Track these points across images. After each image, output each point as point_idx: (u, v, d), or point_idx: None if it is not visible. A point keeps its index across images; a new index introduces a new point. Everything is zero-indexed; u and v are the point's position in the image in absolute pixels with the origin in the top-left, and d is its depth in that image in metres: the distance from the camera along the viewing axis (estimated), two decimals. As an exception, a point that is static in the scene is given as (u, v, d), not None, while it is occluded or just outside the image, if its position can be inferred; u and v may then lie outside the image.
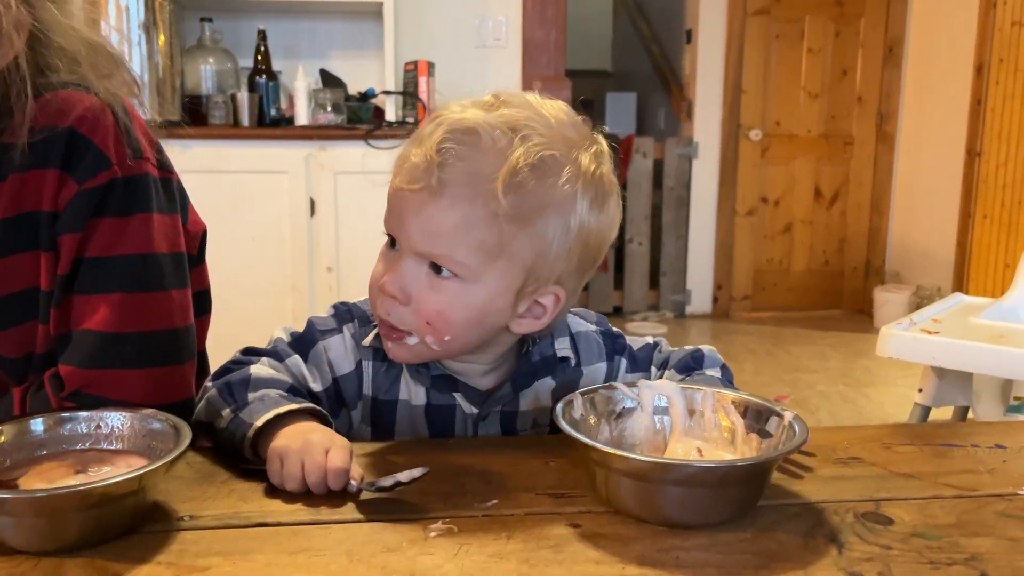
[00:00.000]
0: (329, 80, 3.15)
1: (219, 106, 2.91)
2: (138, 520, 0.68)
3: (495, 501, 0.73)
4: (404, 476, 0.72)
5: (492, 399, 0.90)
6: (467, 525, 0.69)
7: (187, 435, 0.71)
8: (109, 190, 0.85)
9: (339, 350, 0.90)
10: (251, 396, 0.81)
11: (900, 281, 4.93)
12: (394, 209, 0.82)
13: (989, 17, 4.05)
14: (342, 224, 2.87)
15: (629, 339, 1.01)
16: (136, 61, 2.76)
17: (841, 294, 5.22)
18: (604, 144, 0.85)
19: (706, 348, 0.98)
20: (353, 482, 0.73)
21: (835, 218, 5.16)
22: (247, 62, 3.11)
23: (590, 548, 0.66)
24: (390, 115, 3.08)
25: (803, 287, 5.18)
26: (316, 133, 2.87)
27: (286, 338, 0.92)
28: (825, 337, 4.65)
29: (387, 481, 0.73)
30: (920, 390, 1.94)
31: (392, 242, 0.83)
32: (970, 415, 2.04)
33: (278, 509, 0.72)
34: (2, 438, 0.73)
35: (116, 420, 0.76)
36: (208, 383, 0.85)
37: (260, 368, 0.85)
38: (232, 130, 2.91)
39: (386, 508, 0.72)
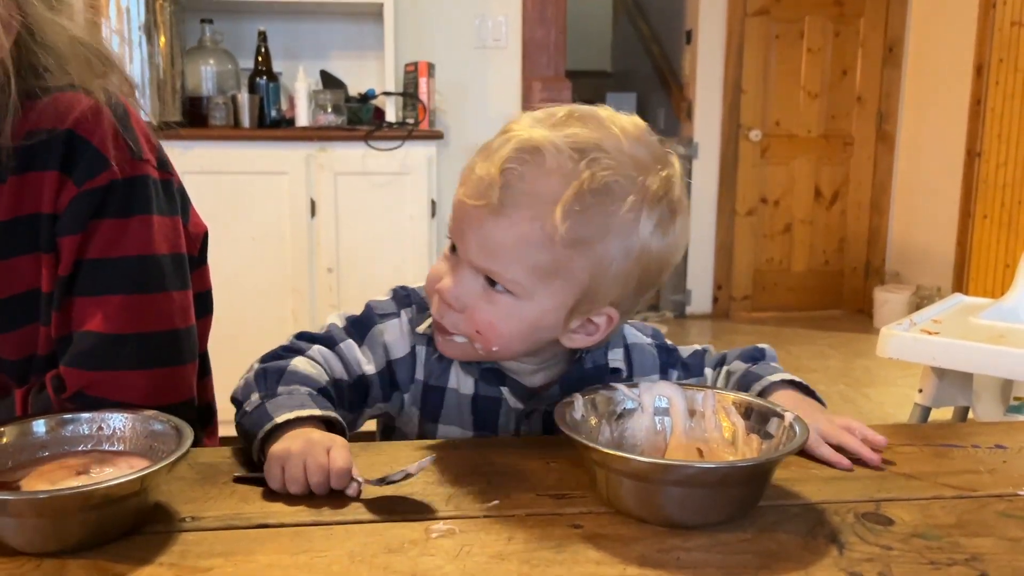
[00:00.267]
0: (329, 81, 3.15)
1: (219, 107, 2.91)
2: (140, 521, 0.68)
3: (496, 502, 0.74)
4: (413, 468, 0.73)
5: (538, 398, 0.92)
6: (468, 526, 0.69)
7: (189, 436, 0.71)
8: (108, 191, 0.85)
9: (395, 333, 0.92)
10: (281, 389, 0.82)
11: (900, 281, 4.93)
12: (457, 218, 0.83)
13: (989, 17, 4.05)
14: (342, 225, 2.87)
15: (682, 351, 1.02)
16: (136, 62, 2.75)
17: (841, 294, 5.22)
18: (676, 166, 0.83)
19: (766, 346, 0.99)
20: (358, 480, 0.73)
21: (835, 218, 5.16)
22: (247, 63, 3.11)
23: (591, 548, 0.66)
24: (390, 116, 3.08)
25: (803, 287, 5.18)
26: (316, 134, 2.87)
27: (341, 323, 0.93)
28: (825, 337, 4.65)
29: (396, 475, 0.73)
30: (920, 390, 1.94)
31: (453, 246, 0.84)
32: (970, 415, 2.04)
33: (280, 510, 0.72)
34: (4, 439, 0.73)
35: (118, 421, 0.76)
36: (255, 363, 0.87)
37: (301, 362, 0.86)
38: (232, 131, 2.90)
39: (388, 509, 0.72)
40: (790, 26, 4.93)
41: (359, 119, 3.05)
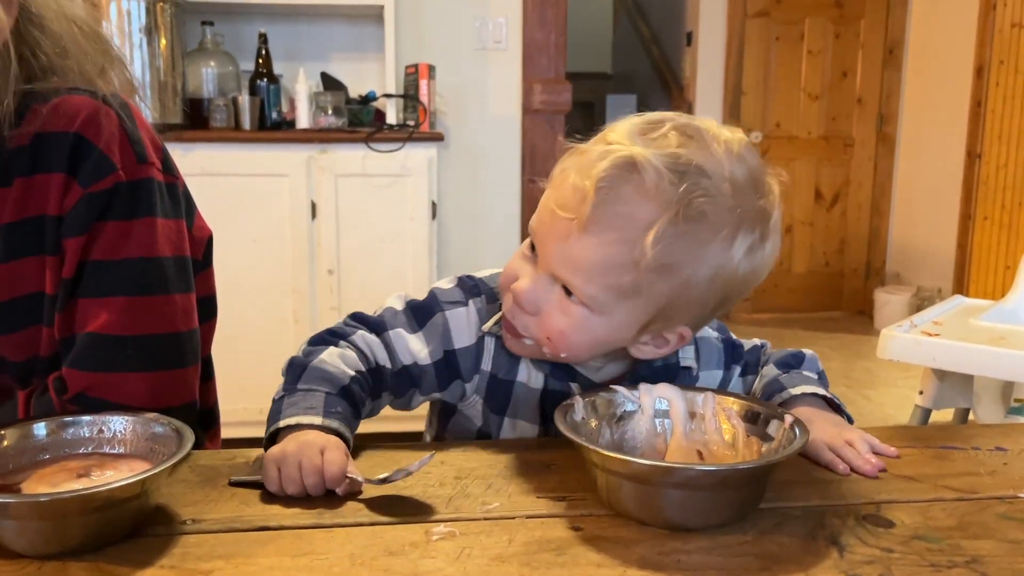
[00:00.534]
0: (330, 83, 3.15)
1: (220, 109, 2.91)
2: (141, 524, 0.69)
3: (497, 504, 0.74)
4: (413, 466, 0.73)
5: None
6: (469, 528, 0.69)
7: (189, 439, 0.71)
8: (113, 194, 0.85)
9: (462, 322, 0.91)
10: (300, 386, 0.82)
11: (900, 282, 4.94)
12: (542, 222, 0.81)
13: (989, 19, 4.06)
14: (343, 227, 2.87)
15: (738, 342, 1.01)
16: (137, 64, 2.76)
17: (841, 295, 5.22)
18: (776, 190, 0.81)
19: (808, 352, 0.98)
20: (357, 479, 0.74)
21: (835, 219, 5.16)
22: (248, 65, 3.11)
23: (591, 551, 0.66)
24: (391, 118, 3.08)
25: (803, 288, 5.18)
26: (317, 136, 2.87)
27: (399, 306, 0.92)
28: (825, 338, 4.65)
29: (397, 474, 0.73)
30: (921, 392, 1.94)
31: (533, 245, 0.83)
32: (971, 417, 2.04)
33: (280, 512, 0.72)
34: (5, 442, 0.73)
35: (119, 424, 0.76)
36: (302, 344, 0.87)
37: (331, 355, 0.85)
38: (233, 133, 2.91)
39: (388, 511, 0.72)
40: (790, 28, 4.94)
41: (360, 121, 3.05)
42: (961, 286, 4.24)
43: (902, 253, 5.02)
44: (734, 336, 1.00)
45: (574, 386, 0.90)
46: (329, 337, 0.88)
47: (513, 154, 3.35)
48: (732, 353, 0.98)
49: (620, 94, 6.16)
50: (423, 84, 3.05)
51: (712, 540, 0.68)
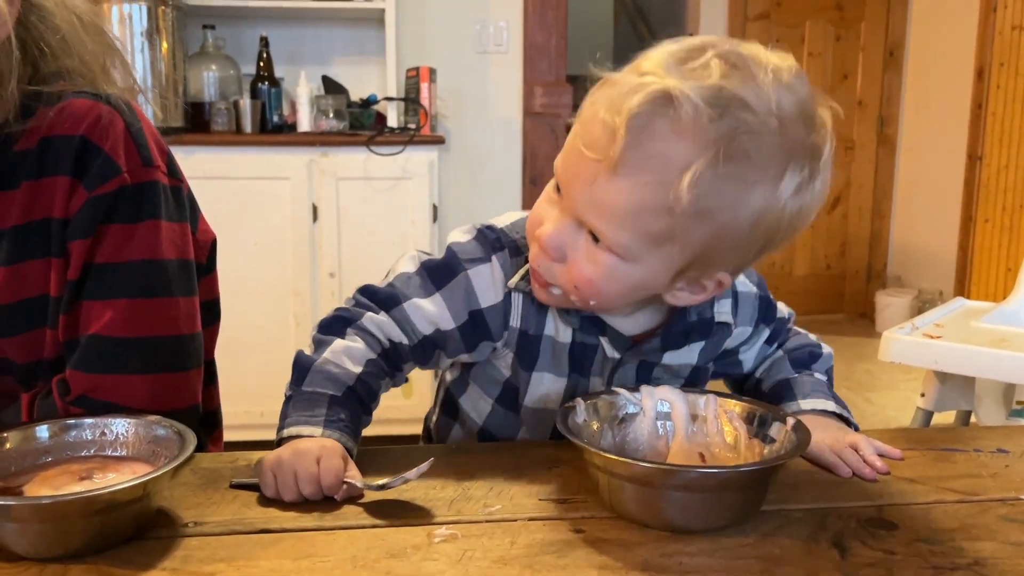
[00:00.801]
0: (331, 86, 3.15)
1: (221, 113, 2.92)
2: (143, 526, 0.69)
3: (499, 506, 0.74)
4: (411, 474, 0.73)
5: (637, 349, 0.87)
6: (471, 530, 0.69)
7: (191, 441, 0.71)
8: (118, 197, 0.86)
9: (486, 280, 0.85)
10: (305, 388, 0.81)
11: (902, 285, 4.93)
12: (567, 163, 0.75)
13: (989, 21, 4.06)
14: (344, 230, 2.87)
15: (774, 303, 0.97)
16: (139, 68, 2.76)
17: (843, 298, 5.22)
18: (828, 123, 0.73)
19: (826, 349, 0.97)
20: (356, 484, 0.74)
21: (836, 222, 5.16)
22: (249, 69, 3.12)
23: (593, 553, 0.66)
24: (392, 121, 3.08)
25: (805, 291, 5.18)
26: (318, 139, 2.87)
27: (412, 267, 0.87)
28: (827, 341, 4.59)
29: (395, 481, 0.73)
30: (922, 395, 1.94)
31: (559, 186, 0.77)
32: (973, 419, 2.04)
33: (282, 515, 0.72)
34: (8, 445, 0.73)
35: (121, 427, 0.76)
36: (313, 331, 0.86)
37: (335, 352, 0.82)
38: (234, 136, 2.91)
39: (390, 514, 0.72)
40: (791, 30, 4.94)
41: (361, 124, 3.05)
42: (962, 288, 4.24)
43: (903, 255, 5.02)
44: (771, 296, 0.96)
45: (603, 339, 0.87)
46: (337, 325, 0.85)
47: (514, 157, 3.35)
48: (766, 311, 0.94)
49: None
50: (424, 87, 3.05)
51: (714, 542, 0.68)
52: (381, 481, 0.74)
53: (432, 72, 3.09)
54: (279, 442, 0.78)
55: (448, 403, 1.00)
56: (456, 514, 0.72)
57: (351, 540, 0.68)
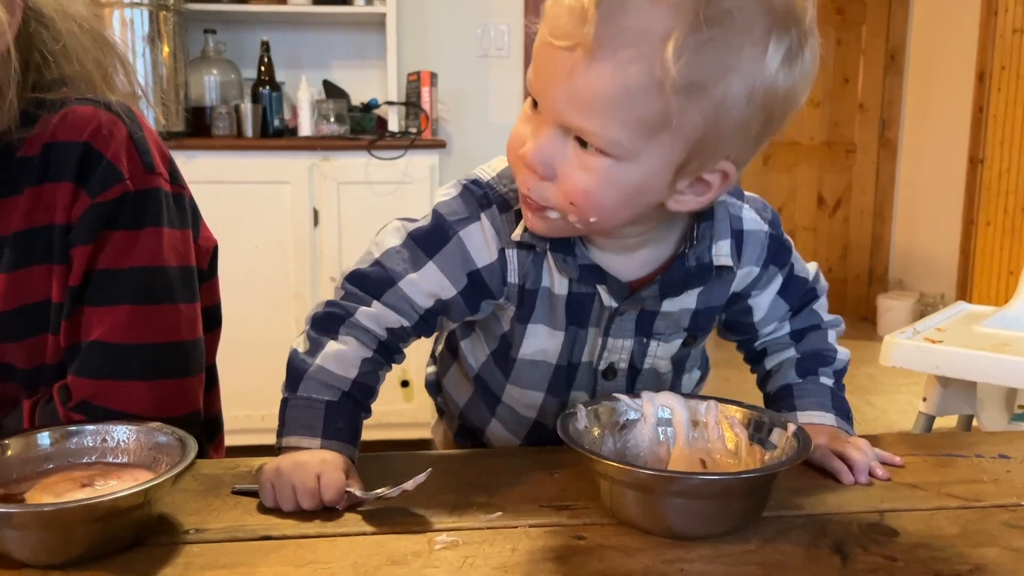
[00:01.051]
0: (332, 91, 3.16)
1: (223, 117, 2.92)
2: (144, 533, 0.69)
3: (500, 513, 0.74)
4: (409, 484, 0.73)
5: (636, 297, 0.83)
6: (472, 537, 0.69)
7: (192, 448, 0.71)
8: (121, 203, 0.86)
9: (478, 239, 0.82)
10: (301, 392, 0.80)
11: (903, 288, 4.93)
12: (538, 66, 0.69)
13: (990, 24, 4.06)
14: (345, 234, 2.88)
15: (795, 258, 0.93)
16: (140, 73, 2.77)
17: (844, 301, 5.21)
18: None
19: (841, 354, 0.95)
20: (356, 493, 0.74)
21: (838, 225, 5.16)
22: (250, 73, 3.13)
23: (595, 560, 0.66)
24: (393, 125, 3.09)
25: (806, 294, 5.17)
26: (319, 143, 2.88)
27: (398, 241, 0.83)
28: (829, 345, 4.63)
29: (393, 491, 0.73)
30: (924, 399, 1.94)
31: (535, 102, 0.71)
32: (975, 423, 2.03)
33: (283, 522, 0.72)
34: (9, 452, 0.73)
35: (122, 434, 0.76)
36: (306, 327, 0.83)
37: (328, 357, 0.80)
38: (235, 141, 2.92)
39: (391, 521, 0.72)
40: (792, 34, 4.94)
41: (362, 128, 3.06)
42: (964, 292, 4.24)
43: (905, 259, 5.02)
44: (787, 238, 0.90)
45: (601, 288, 0.83)
46: (329, 322, 0.82)
47: (515, 161, 3.35)
48: (777, 252, 0.88)
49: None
50: (425, 91, 3.06)
51: (715, 549, 0.68)
52: (379, 492, 0.74)
53: (433, 76, 3.09)
54: (279, 449, 0.79)
55: (452, 339, 1.00)
56: (457, 521, 0.72)
57: (352, 547, 0.68)
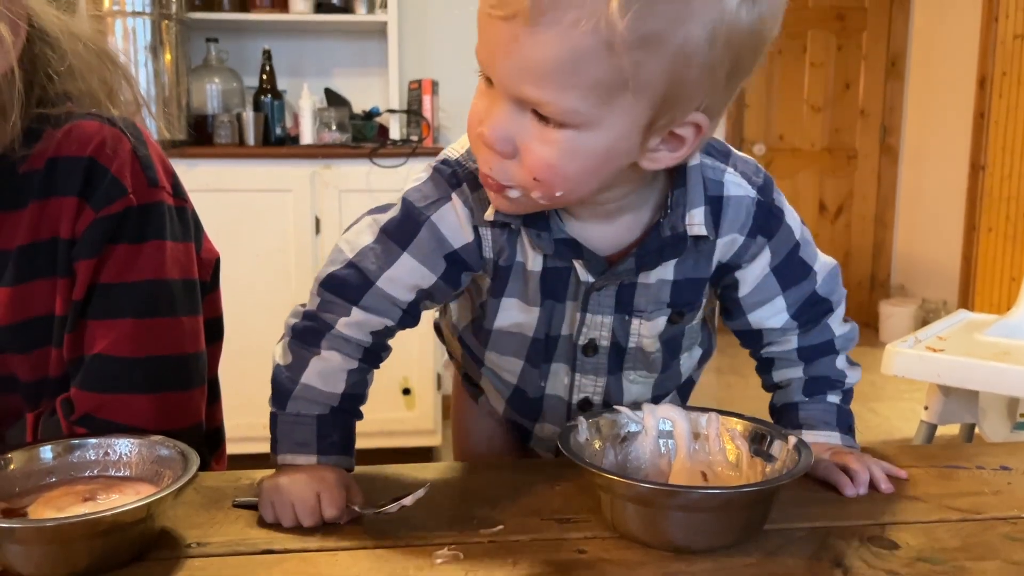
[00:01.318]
0: (334, 99, 3.17)
1: (224, 125, 2.93)
2: (146, 547, 0.69)
3: (501, 527, 0.74)
4: (408, 500, 0.73)
5: (612, 272, 0.80)
6: (473, 551, 0.69)
7: (195, 462, 0.71)
8: (124, 217, 0.87)
9: (451, 221, 0.79)
10: (290, 409, 0.79)
11: (905, 294, 4.93)
12: (483, 40, 0.66)
13: (991, 30, 4.06)
14: (347, 242, 2.88)
15: (801, 239, 0.86)
16: (143, 82, 2.77)
17: (846, 308, 5.21)
18: None
19: (851, 377, 0.91)
20: (355, 509, 0.74)
21: (839, 231, 5.16)
22: (252, 81, 3.13)
23: (596, 574, 0.66)
24: (394, 133, 3.09)
25: (808, 301, 5.17)
26: (321, 151, 2.88)
27: (371, 238, 0.80)
28: (831, 351, 4.62)
29: (392, 507, 0.73)
30: (926, 408, 1.94)
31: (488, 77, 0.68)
32: (976, 432, 2.03)
33: (285, 536, 0.72)
34: (12, 465, 0.74)
35: (124, 447, 0.77)
36: (286, 337, 0.82)
37: (313, 373, 0.79)
38: (237, 149, 2.92)
39: (393, 535, 0.72)
40: (793, 40, 4.95)
41: (363, 136, 3.06)
42: (966, 298, 4.23)
43: (907, 265, 5.02)
44: (779, 204, 0.84)
45: (577, 263, 0.80)
46: (309, 335, 0.80)
47: (516, 168, 3.35)
48: (765, 221, 0.82)
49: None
50: (426, 99, 3.06)
51: (717, 562, 0.68)
52: (377, 509, 0.74)
53: (434, 84, 3.10)
54: (275, 465, 0.79)
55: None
56: (458, 534, 0.72)
57: (354, 561, 0.68)
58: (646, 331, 0.87)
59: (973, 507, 0.79)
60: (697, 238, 0.79)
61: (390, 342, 0.85)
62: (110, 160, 0.86)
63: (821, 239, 5.13)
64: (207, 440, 1.00)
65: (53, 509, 0.70)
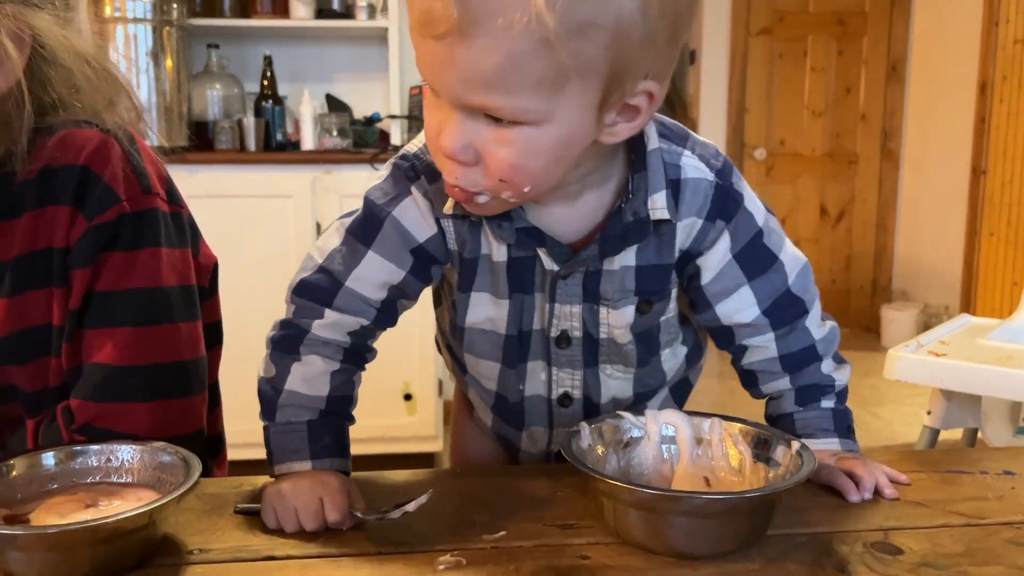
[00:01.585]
0: (335, 104, 3.17)
1: (225, 131, 2.93)
2: (148, 554, 0.69)
3: (503, 533, 0.74)
4: (411, 506, 0.73)
5: (577, 259, 0.80)
6: (476, 557, 0.69)
7: (197, 468, 0.71)
8: (118, 225, 0.86)
9: (413, 215, 0.80)
10: (279, 418, 0.80)
11: (907, 299, 4.93)
12: (421, 58, 0.66)
13: (992, 35, 4.07)
14: (348, 247, 2.88)
15: (768, 228, 0.84)
16: (144, 88, 2.78)
17: (848, 312, 5.21)
18: None
19: (840, 379, 0.90)
20: (357, 515, 0.74)
21: (841, 236, 5.16)
22: (253, 87, 3.13)
23: (599, 580, 0.66)
24: (395, 139, 3.09)
25: (809, 305, 5.17)
26: (322, 157, 2.88)
27: (339, 239, 0.81)
28: (832, 356, 4.62)
29: (395, 513, 0.73)
30: (929, 412, 1.94)
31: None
32: (979, 437, 2.03)
33: (287, 542, 0.72)
34: (14, 472, 0.73)
35: (126, 453, 0.77)
36: (269, 349, 0.83)
37: (296, 378, 0.80)
38: (238, 155, 2.92)
39: (394, 541, 0.72)
40: (793, 45, 4.95)
41: (364, 142, 3.06)
42: (968, 302, 4.23)
43: (908, 270, 5.02)
44: (738, 188, 0.83)
45: (541, 251, 0.80)
46: (288, 343, 0.82)
47: (518, 174, 3.35)
48: (723, 204, 0.82)
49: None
50: (427, 105, 3.06)
51: (719, 568, 0.68)
52: (378, 515, 0.74)
53: (435, 90, 3.10)
54: (274, 477, 0.79)
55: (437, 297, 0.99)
56: (460, 541, 0.72)
57: (356, 568, 0.68)
58: (615, 320, 0.86)
59: (976, 512, 0.79)
60: (659, 222, 0.80)
61: (375, 344, 0.86)
62: (103, 168, 0.86)
63: (822, 244, 5.13)
64: (208, 446, 1.00)
65: (55, 516, 0.69)
